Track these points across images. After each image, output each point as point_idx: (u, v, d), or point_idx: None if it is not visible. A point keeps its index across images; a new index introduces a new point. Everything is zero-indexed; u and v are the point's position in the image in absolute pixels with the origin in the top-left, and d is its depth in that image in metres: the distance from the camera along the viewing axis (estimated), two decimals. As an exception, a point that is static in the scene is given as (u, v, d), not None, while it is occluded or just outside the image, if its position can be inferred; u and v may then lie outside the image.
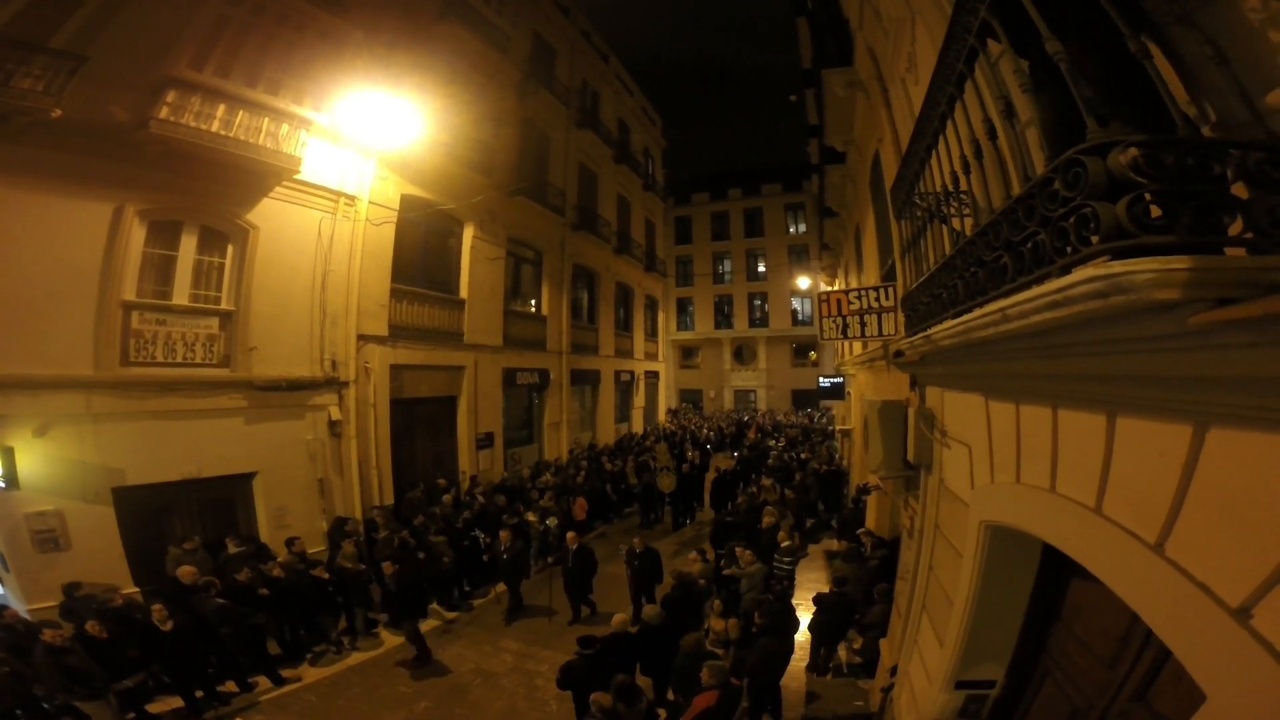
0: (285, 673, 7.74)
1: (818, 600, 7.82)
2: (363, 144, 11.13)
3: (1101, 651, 2.65)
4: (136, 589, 7.99)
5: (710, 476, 16.12)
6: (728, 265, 41.47)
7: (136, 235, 8.62)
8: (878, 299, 6.43)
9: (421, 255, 13.30)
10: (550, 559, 10.16)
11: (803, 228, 38.75)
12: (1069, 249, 1.49)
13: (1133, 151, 1.34)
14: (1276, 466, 1.35)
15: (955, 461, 3.91)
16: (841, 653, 7.97)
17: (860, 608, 7.78)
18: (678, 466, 14.74)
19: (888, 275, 7.46)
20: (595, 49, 21.92)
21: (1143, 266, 1.27)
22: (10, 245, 7.43)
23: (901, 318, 5.45)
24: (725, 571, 8.62)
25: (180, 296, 9.10)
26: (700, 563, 8.86)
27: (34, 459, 7.42)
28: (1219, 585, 1.51)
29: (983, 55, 2.08)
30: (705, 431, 25.08)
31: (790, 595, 8.28)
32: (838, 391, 19.45)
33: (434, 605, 9.52)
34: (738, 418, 30.41)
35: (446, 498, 11.69)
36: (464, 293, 14.19)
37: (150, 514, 8.62)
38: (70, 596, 7.16)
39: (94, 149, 8.05)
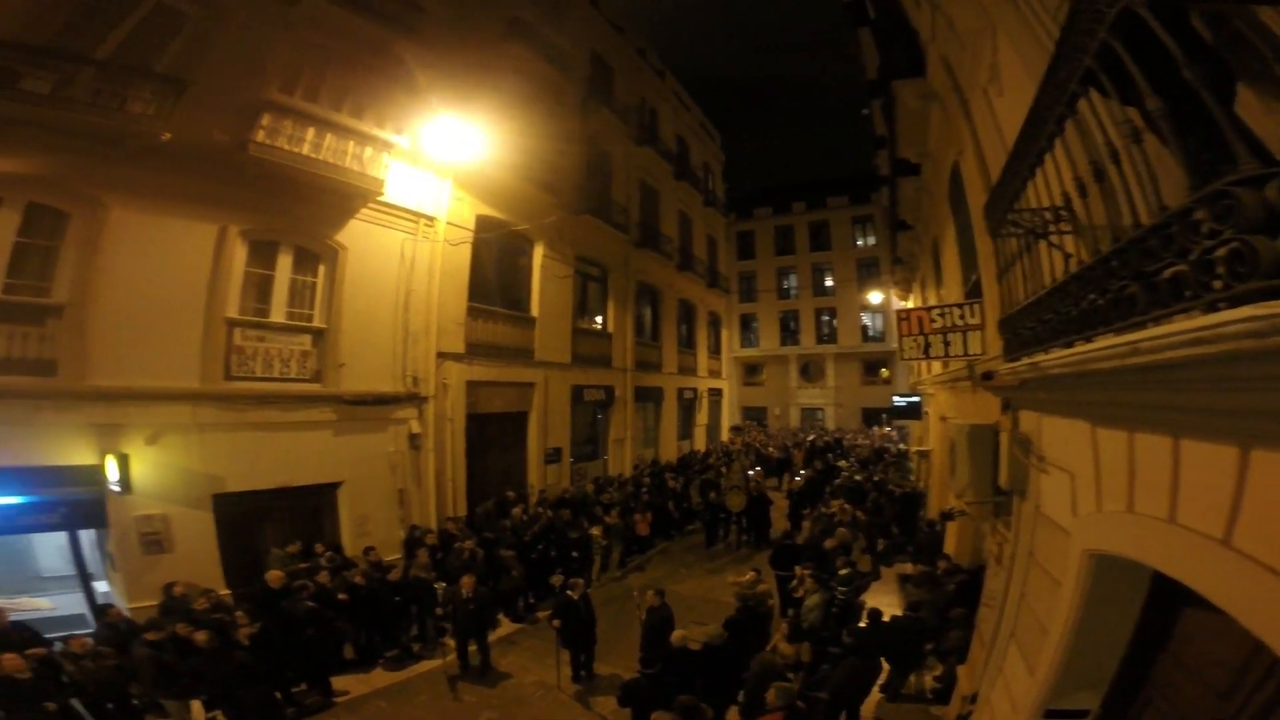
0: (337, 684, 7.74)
1: (888, 623, 7.52)
2: (440, 165, 11.62)
3: (1214, 681, 2.50)
4: (228, 591, 8.44)
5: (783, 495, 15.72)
6: (793, 280, 40.72)
7: (239, 255, 9.22)
8: (962, 316, 6.19)
9: (495, 274, 13.71)
10: (551, 614, 8.34)
11: (871, 240, 37.71)
12: (1217, 284, 1.41)
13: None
14: None
15: (1054, 488, 3.75)
16: (913, 679, 7.64)
17: (934, 634, 7.44)
18: (746, 485, 14.54)
19: (972, 291, 7.16)
20: (651, 66, 22.09)
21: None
22: (128, 264, 8.07)
23: (991, 336, 5.25)
24: (796, 594, 8.42)
25: (278, 314, 9.71)
26: (762, 583, 8.68)
27: (145, 465, 8.02)
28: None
29: (1103, 76, 1.99)
30: (769, 449, 24.47)
31: (857, 619, 7.99)
32: (914, 411, 18.71)
33: (499, 615, 9.65)
34: (801, 437, 29.49)
35: (516, 511, 11.88)
36: (534, 310, 14.54)
37: (244, 520, 9.13)
38: (170, 596, 7.59)
39: (198, 170, 8.56)
